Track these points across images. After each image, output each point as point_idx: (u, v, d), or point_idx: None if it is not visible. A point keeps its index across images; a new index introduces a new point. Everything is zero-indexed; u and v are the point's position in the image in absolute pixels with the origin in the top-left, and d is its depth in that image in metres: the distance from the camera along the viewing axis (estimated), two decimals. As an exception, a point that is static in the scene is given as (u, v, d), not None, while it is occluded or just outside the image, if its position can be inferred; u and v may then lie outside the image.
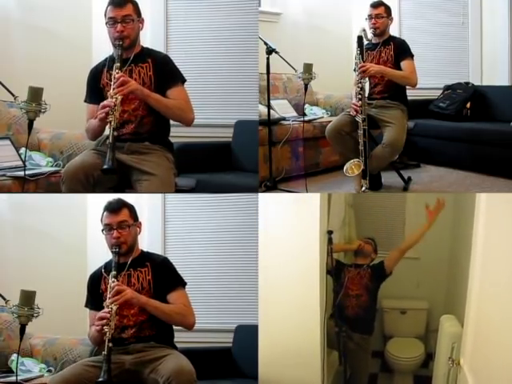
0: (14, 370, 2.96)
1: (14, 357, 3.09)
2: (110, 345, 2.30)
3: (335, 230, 3.19)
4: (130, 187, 2.70)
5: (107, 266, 2.52)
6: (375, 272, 3.46)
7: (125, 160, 2.62)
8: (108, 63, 2.68)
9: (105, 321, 2.31)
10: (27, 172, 2.90)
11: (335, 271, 3.25)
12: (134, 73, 2.65)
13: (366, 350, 3.49)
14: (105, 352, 2.28)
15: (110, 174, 2.51)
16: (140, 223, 2.59)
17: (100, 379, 2.24)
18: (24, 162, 2.96)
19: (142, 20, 2.70)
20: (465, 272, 2.24)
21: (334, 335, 3.22)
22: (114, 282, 2.39)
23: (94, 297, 2.55)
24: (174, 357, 2.38)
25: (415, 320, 4.19)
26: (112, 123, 2.50)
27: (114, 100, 2.50)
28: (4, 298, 2.47)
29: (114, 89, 2.52)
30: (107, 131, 2.58)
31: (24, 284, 2.47)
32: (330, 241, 3.05)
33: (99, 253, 3.39)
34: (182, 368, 2.26)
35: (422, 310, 4.20)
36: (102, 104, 2.55)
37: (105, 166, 2.47)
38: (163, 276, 2.52)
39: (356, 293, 3.42)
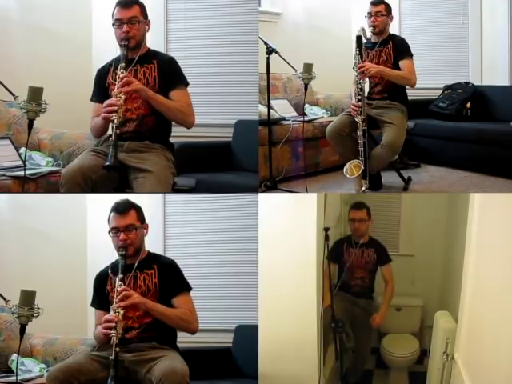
0: (14, 370, 2.96)
1: (14, 357, 3.09)
2: (117, 349, 2.29)
3: (331, 227, 3.21)
4: (129, 187, 2.70)
5: (114, 267, 2.52)
6: (379, 258, 3.64)
7: (124, 159, 2.63)
8: (114, 63, 2.70)
9: (112, 324, 2.30)
10: (27, 172, 2.90)
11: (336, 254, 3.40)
12: (139, 73, 2.68)
13: (371, 314, 3.62)
14: (112, 357, 2.28)
15: (111, 170, 2.52)
16: (147, 225, 2.57)
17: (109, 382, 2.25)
18: (24, 161, 2.96)
19: (149, 22, 2.73)
20: (459, 269, 2.26)
21: (330, 331, 3.25)
22: (120, 285, 2.38)
23: (100, 296, 2.56)
24: (169, 358, 2.37)
25: (410, 317, 4.21)
26: (115, 121, 2.52)
27: (117, 99, 2.52)
28: (4, 298, 2.47)
29: (118, 88, 2.53)
30: (109, 131, 2.58)
31: (24, 284, 2.47)
32: (326, 238, 3.07)
33: (99, 253, 3.41)
34: (173, 369, 2.25)
35: (417, 307, 4.22)
36: (106, 102, 2.57)
37: (107, 163, 2.49)
38: (170, 279, 2.52)
39: (361, 275, 3.61)
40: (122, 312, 2.34)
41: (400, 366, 3.90)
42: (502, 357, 1.51)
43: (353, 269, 3.59)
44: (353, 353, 3.65)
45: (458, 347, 2.15)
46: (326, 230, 3.07)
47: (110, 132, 2.70)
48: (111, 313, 2.41)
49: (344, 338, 3.34)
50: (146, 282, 2.50)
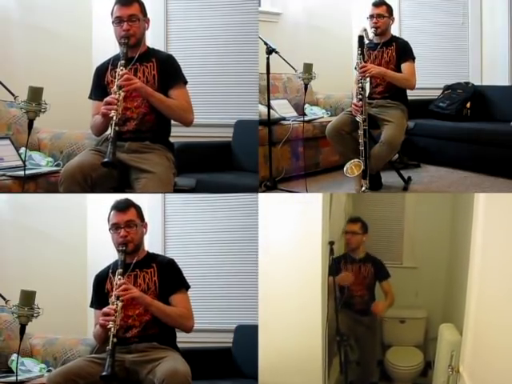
0: (14, 370, 2.96)
1: (14, 357, 3.09)
2: (115, 340, 2.30)
3: (336, 240, 3.20)
4: (129, 187, 2.70)
5: (113, 266, 2.53)
6: (376, 273, 3.57)
7: (125, 159, 2.63)
8: (113, 61, 2.70)
9: (112, 317, 2.31)
10: (27, 172, 2.90)
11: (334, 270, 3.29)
12: (139, 71, 2.68)
13: (375, 332, 3.63)
14: (109, 347, 2.29)
15: (109, 167, 2.51)
16: (146, 224, 2.61)
17: (104, 373, 2.25)
18: (24, 161, 2.96)
19: (148, 20, 2.73)
20: (463, 280, 2.25)
21: (334, 344, 3.24)
22: (120, 279, 2.40)
23: (100, 297, 2.56)
24: (171, 359, 2.38)
25: (414, 329, 4.19)
26: (114, 118, 2.51)
27: (117, 96, 2.52)
28: (4, 298, 2.47)
29: (117, 85, 2.53)
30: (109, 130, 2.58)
31: (24, 284, 2.47)
32: (331, 252, 3.06)
33: (99, 253, 3.41)
34: (176, 371, 2.26)
35: (421, 319, 4.20)
36: (105, 100, 2.56)
37: (105, 159, 2.48)
38: (168, 277, 2.54)
39: (360, 293, 3.53)
40: (120, 304, 2.35)
41: (404, 379, 3.89)
42: (509, 370, 1.50)
43: (351, 286, 3.50)
44: (357, 365, 3.62)
45: (464, 360, 2.13)
46: (331, 243, 3.06)
47: (110, 131, 2.70)
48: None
49: (348, 350, 3.32)
50: (146, 280, 2.52)
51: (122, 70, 2.57)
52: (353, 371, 3.55)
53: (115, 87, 2.54)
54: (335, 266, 3.42)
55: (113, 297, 2.37)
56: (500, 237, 1.71)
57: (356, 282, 3.52)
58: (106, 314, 2.34)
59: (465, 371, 2.10)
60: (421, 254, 4.31)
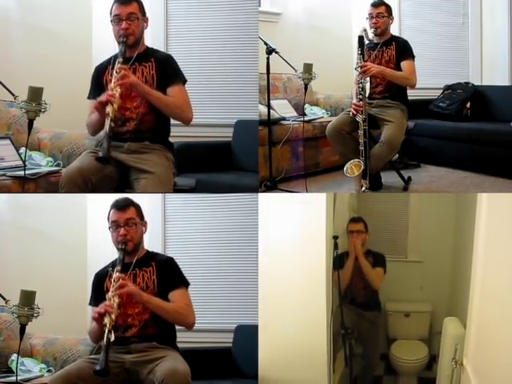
0: (14, 370, 2.96)
1: (14, 357, 3.09)
2: (111, 336, 2.28)
3: (339, 235, 3.20)
4: (129, 187, 2.70)
5: (113, 265, 2.52)
6: (375, 262, 3.56)
7: (124, 159, 2.63)
8: (113, 61, 2.69)
9: (103, 310, 2.30)
10: (27, 172, 2.90)
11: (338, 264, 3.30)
12: (138, 71, 2.68)
13: (378, 327, 3.66)
14: (104, 342, 2.26)
15: (104, 162, 2.51)
16: (146, 222, 2.60)
17: (97, 368, 2.23)
18: (24, 161, 2.96)
19: (147, 19, 2.73)
20: (467, 274, 2.25)
21: (339, 337, 3.24)
22: (117, 274, 2.39)
23: (98, 294, 2.55)
24: (171, 358, 2.37)
25: (419, 322, 4.21)
26: (110, 114, 2.51)
27: (113, 93, 2.52)
28: (4, 298, 2.47)
29: (114, 82, 2.53)
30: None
31: (24, 284, 2.48)
32: (335, 246, 3.07)
33: (99, 253, 3.42)
34: (175, 370, 2.26)
35: (426, 313, 4.22)
36: (99, 98, 2.56)
37: (100, 154, 2.48)
38: (167, 274, 2.53)
39: (363, 285, 3.54)
40: (117, 300, 2.34)
41: (409, 372, 3.91)
42: (511, 363, 1.51)
43: (354, 278, 3.51)
44: (362, 359, 3.64)
45: (467, 353, 2.14)
46: (335, 238, 3.06)
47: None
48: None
49: (353, 344, 3.33)
50: (145, 279, 2.51)
51: (119, 67, 2.56)
52: (358, 364, 3.56)
53: (112, 84, 2.54)
54: (338, 260, 3.43)
55: (109, 293, 2.36)
56: (503, 232, 1.72)
57: (358, 275, 3.51)
58: (102, 310, 2.31)
59: (468, 364, 2.10)
60: (425, 248, 4.33)
